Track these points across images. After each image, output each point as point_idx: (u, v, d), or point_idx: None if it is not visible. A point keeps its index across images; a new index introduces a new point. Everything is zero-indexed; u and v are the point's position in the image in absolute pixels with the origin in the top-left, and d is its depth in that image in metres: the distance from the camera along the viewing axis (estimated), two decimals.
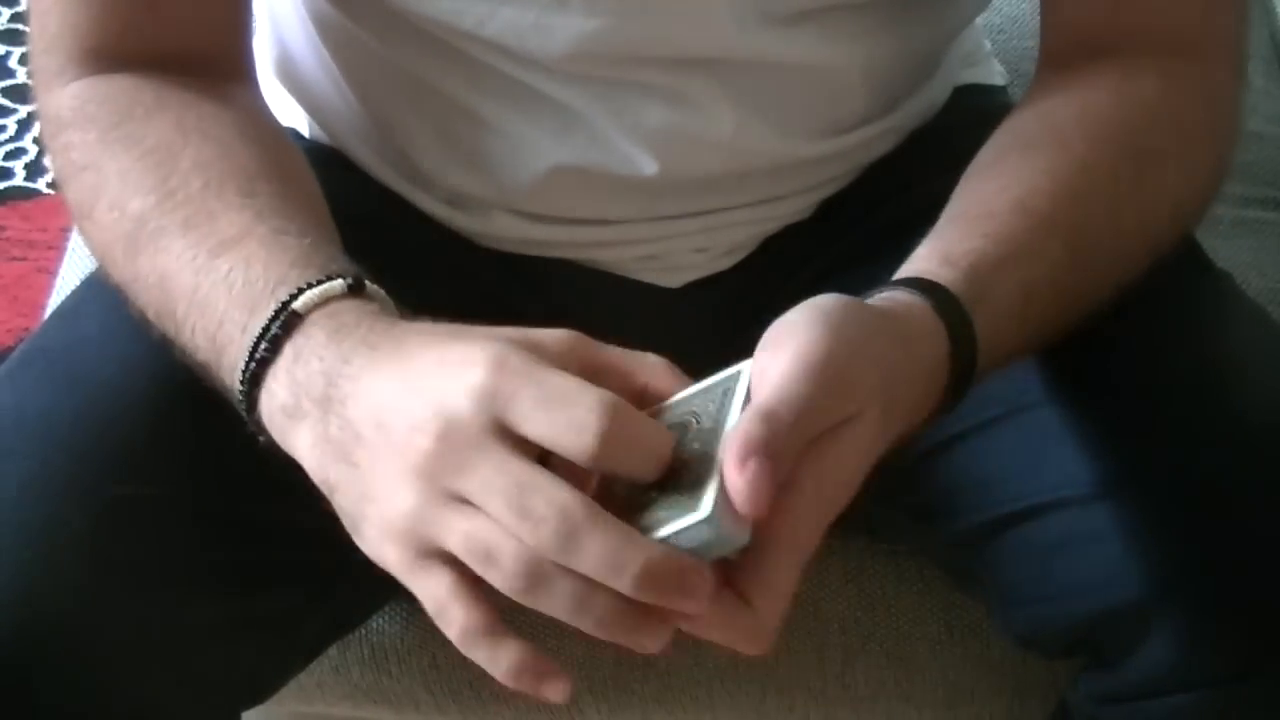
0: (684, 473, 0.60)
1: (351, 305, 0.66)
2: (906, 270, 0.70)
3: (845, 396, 0.60)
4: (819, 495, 0.60)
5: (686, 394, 0.64)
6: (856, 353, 0.61)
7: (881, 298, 0.68)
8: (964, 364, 0.68)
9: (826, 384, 0.60)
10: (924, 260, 0.71)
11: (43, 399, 0.76)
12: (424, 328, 0.65)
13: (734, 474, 0.57)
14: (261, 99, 0.83)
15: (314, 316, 0.66)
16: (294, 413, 0.65)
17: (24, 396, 0.77)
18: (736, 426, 0.58)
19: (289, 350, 0.66)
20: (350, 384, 0.63)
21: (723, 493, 0.58)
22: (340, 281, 0.67)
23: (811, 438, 0.59)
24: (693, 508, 0.58)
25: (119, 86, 0.78)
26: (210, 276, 0.70)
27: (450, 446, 0.59)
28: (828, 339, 0.61)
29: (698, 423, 0.62)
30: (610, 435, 0.57)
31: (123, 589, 0.72)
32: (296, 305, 0.66)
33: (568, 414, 0.58)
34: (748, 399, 0.61)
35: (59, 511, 0.72)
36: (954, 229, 0.73)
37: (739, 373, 0.63)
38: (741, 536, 0.59)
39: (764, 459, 0.57)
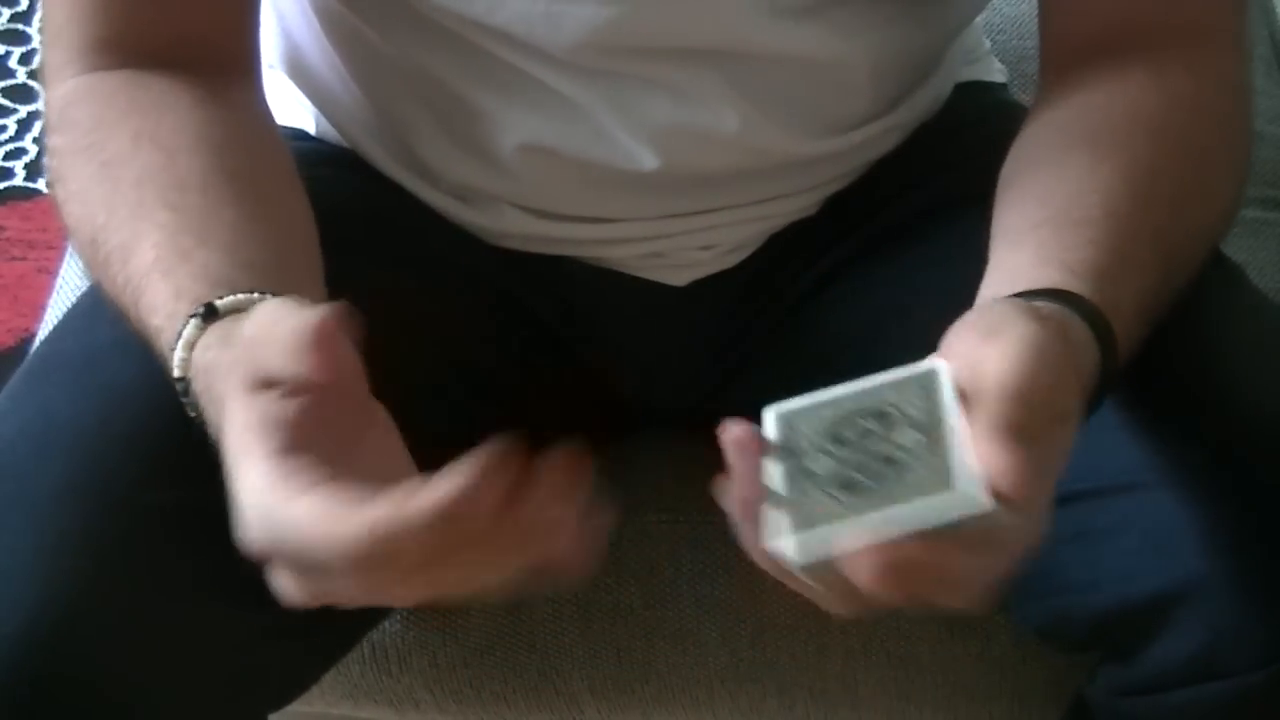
0: (907, 461, 0.60)
1: (202, 350, 0.67)
2: (1023, 279, 0.69)
3: (1067, 389, 0.60)
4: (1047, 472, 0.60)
5: (866, 386, 0.63)
6: (1061, 349, 0.61)
7: (1029, 307, 0.66)
8: (1108, 371, 0.67)
9: (1055, 371, 0.59)
10: (1039, 268, 0.69)
11: (68, 407, 0.76)
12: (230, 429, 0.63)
13: (999, 456, 0.57)
14: (260, 97, 0.83)
15: (192, 363, 0.67)
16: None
17: (49, 404, 0.77)
18: (992, 409, 0.58)
19: (194, 388, 0.68)
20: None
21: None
22: (194, 322, 0.67)
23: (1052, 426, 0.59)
24: (963, 499, 0.58)
25: (105, 86, 0.79)
26: (142, 316, 0.71)
27: None
28: (1041, 331, 0.60)
29: (903, 414, 0.61)
30: (373, 576, 0.57)
31: (151, 596, 0.73)
32: (176, 371, 0.67)
33: (326, 582, 0.58)
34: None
35: (88, 520, 0.72)
36: (1055, 235, 0.71)
37: (933, 370, 0.62)
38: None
39: (1024, 444, 0.57)
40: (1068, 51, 0.82)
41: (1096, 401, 0.67)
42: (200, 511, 0.73)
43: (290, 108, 0.95)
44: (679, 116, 0.84)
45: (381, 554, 0.56)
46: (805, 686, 0.95)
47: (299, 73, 0.94)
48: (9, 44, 2.01)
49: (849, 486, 0.60)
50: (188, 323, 0.67)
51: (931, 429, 0.60)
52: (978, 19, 0.99)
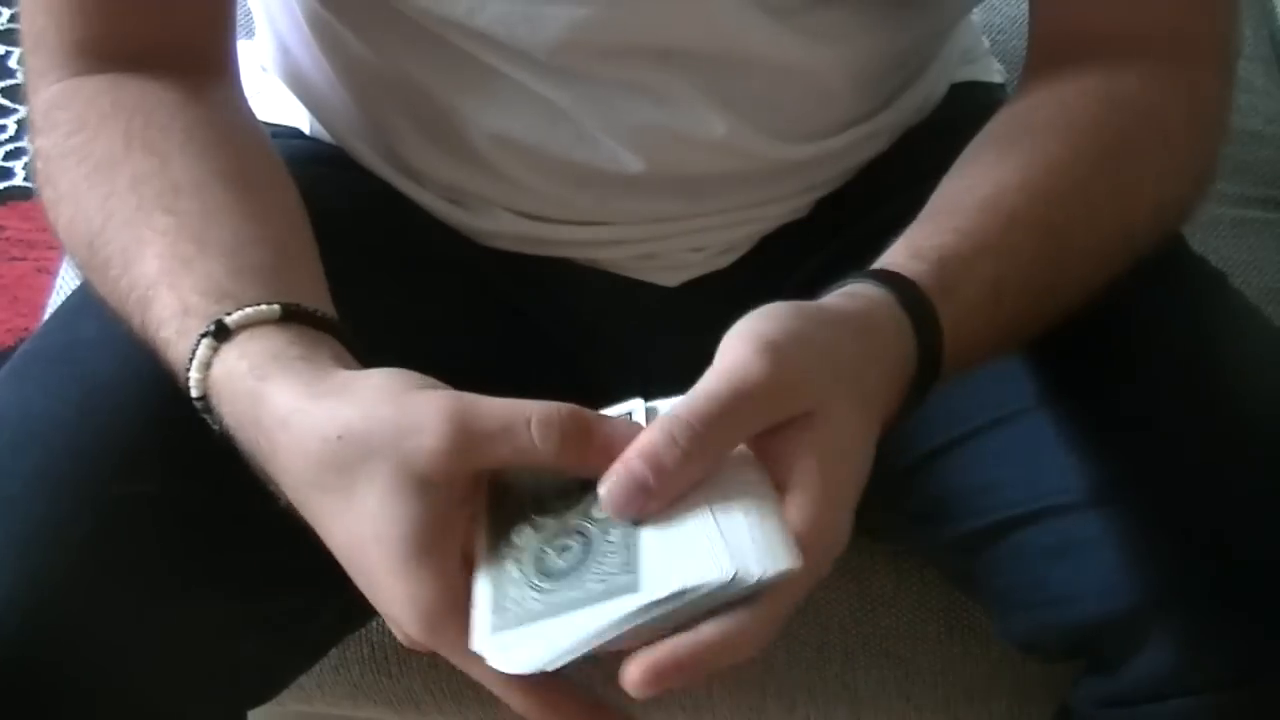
0: (594, 535, 0.60)
1: (222, 371, 0.67)
2: (874, 265, 0.71)
3: (783, 394, 0.61)
4: (809, 496, 0.60)
5: None
6: (795, 348, 0.62)
7: (841, 292, 0.69)
8: (930, 356, 0.67)
9: (748, 384, 0.60)
10: (891, 255, 0.71)
11: (45, 400, 0.76)
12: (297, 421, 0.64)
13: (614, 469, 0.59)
14: (240, 96, 0.83)
15: (209, 383, 0.68)
16: (253, 455, 0.68)
17: (26, 397, 0.77)
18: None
19: (216, 407, 0.68)
20: (271, 461, 0.66)
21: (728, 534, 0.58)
22: (206, 342, 0.67)
23: (741, 435, 0.61)
24: (721, 567, 0.57)
25: (88, 89, 0.79)
26: (149, 321, 0.71)
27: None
28: (751, 342, 0.62)
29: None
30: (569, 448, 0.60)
31: (127, 590, 0.72)
32: (194, 392, 0.68)
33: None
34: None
35: (62, 512, 0.72)
36: (922, 225, 0.73)
37: (629, 414, 0.63)
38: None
39: (643, 461, 0.59)
40: (1040, 54, 0.83)
41: (925, 381, 0.68)
42: (177, 504, 0.73)
43: (284, 107, 0.95)
44: (660, 120, 0.84)
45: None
46: (805, 687, 0.95)
47: (291, 75, 0.94)
48: (9, 44, 2.01)
49: (545, 570, 0.59)
50: (199, 343, 0.68)
51: None
52: (976, 19, 0.99)
